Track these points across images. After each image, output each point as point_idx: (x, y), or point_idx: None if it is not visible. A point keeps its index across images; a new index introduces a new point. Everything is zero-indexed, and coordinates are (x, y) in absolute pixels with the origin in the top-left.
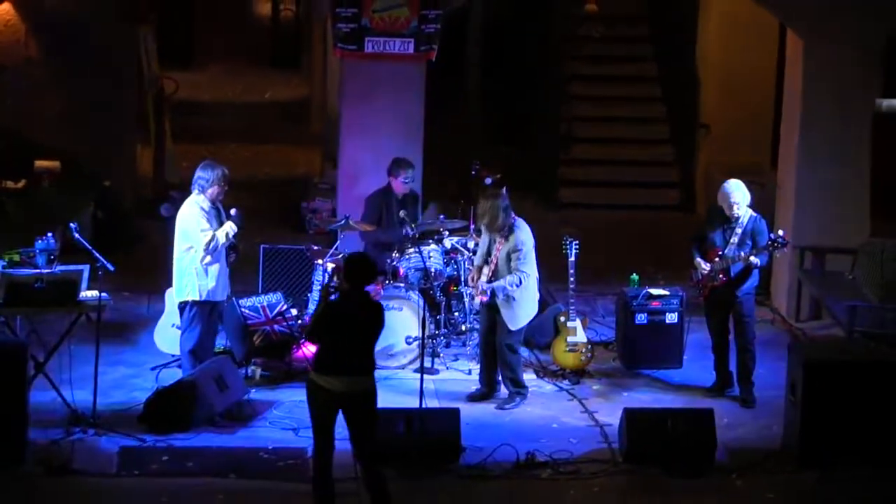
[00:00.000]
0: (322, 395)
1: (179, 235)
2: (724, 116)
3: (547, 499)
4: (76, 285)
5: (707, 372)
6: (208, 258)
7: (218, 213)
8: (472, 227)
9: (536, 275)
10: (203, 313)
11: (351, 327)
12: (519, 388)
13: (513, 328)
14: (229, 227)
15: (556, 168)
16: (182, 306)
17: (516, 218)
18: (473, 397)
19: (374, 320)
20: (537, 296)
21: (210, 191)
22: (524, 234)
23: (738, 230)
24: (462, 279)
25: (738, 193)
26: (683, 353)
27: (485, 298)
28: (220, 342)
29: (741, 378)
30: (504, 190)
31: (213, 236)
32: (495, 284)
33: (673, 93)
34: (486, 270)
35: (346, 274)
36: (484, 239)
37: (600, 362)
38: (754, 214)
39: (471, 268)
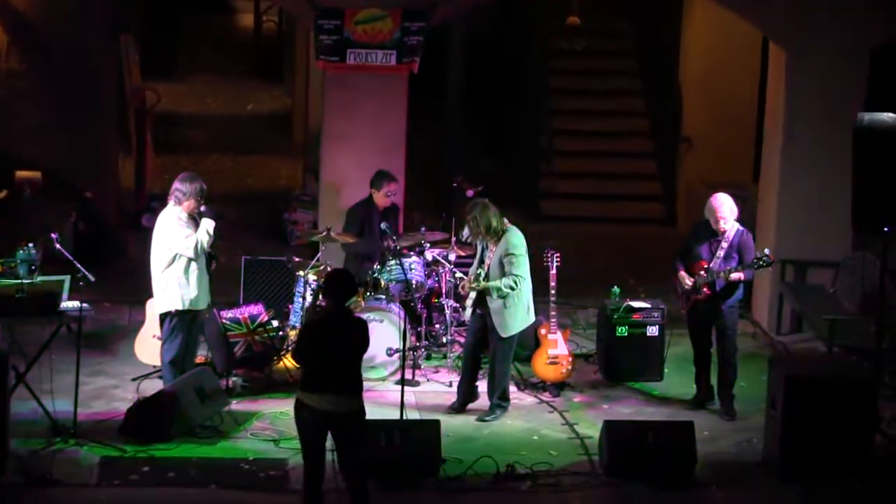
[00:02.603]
0: (308, 415)
1: (160, 246)
2: (706, 130)
3: None
4: (57, 296)
5: (687, 385)
6: (194, 264)
7: (195, 226)
8: (454, 239)
9: (530, 284)
10: (184, 323)
11: (333, 345)
12: (503, 400)
13: (504, 335)
14: (208, 224)
15: (537, 181)
16: (163, 317)
17: (510, 224)
18: (454, 409)
19: (357, 337)
20: (531, 305)
21: (186, 203)
22: (516, 239)
23: (725, 244)
24: (443, 291)
25: (725, 207)
26: (664, 365)
27: (472, 286)
28: (202, 352)
29: (722, 391)
30: (487, 200)
31: (196, 240)
32: (490, 283)
33: (656, 106)
34: (480, 274)
35: (326, 290)
36: (478, 248)
37: (581, 375)
38: (741, 228)
39: (452, 280)
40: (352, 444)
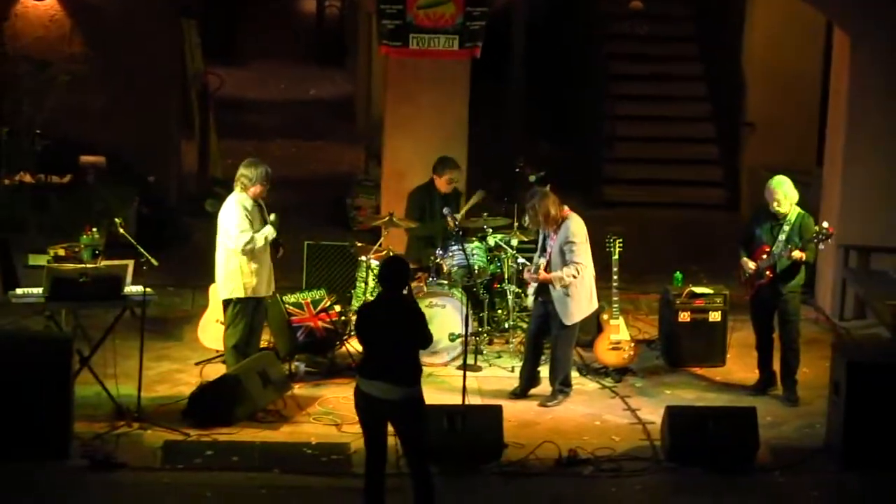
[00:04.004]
0: (361, 400)
1: (221, 233)
2: (769, 114)
3: (589, 496)
4: (121, 280)
5: (750, 370)
6: (258, 252)
7: (260, 211)
8: (517, 224)
9: (593, 271)
10: (247, 309)
11: (384, 332)
12: (565, 385)
13: (567, 323)
14: (269, 232)
15: (599, 166)
16: (226, 303)
17: (569, 212)
18: (516, 394)
19: (407, 326)
20: (594, 292)
21: (253, 189)
22: (576, 227)
23: (786, 227)
24: (505, 276)
25: (780, 190)
26: (726, 351)
27: (534, 277)
28: (264, 337)
29: (784, 376)
30: (548, 187)
31: (252, 239)
32: (552, 275)
33: (718, 91)
34: (541, 263)
35: (379, 278)
36: (540, 237)
37: (643, 360)
38: (801, 212)
39: (514, 265)
40: (407, 432)
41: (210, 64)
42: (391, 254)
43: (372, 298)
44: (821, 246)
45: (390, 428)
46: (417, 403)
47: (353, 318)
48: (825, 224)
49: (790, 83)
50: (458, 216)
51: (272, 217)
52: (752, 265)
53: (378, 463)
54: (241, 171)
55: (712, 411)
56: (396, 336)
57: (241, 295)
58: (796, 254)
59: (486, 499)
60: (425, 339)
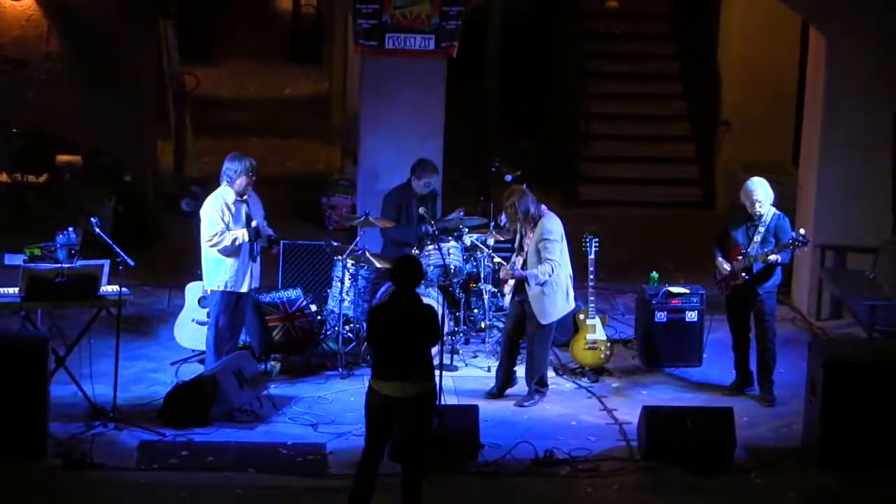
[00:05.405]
0: (376, 400)
1: (202, 227)
2: (745, 114)
3: (565, 496)
4: (97, 280)
5: (727, 370)
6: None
7: (245, 206)
8: (493, 224)
9: (570, 270)
10: (226, 303)
11: (397, 331)
12: (541, 386)
13: (543, 322)
14: (242, 234)
15: (576, 165)
16: (207, 295)
17: (546, 210)
18: (492, 394)
19: (422, 323)
20: (571, 292)
21: (238, 182)
22: (552, 225)
23: (762, 228)
24: (482, 276)
25: (760, 191)
26: (703, 351)
27: (509, 274)
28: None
29: (761, 377)
30: (524, 186)
31: (222, 234)
32: (527, 272)
33: (694, 90)
34: (518, 262)
35: (392, 276)
36: (517, 236)
37: (620, 360)
38: (777, 212)
39: (490, 264)
40: (417, 427)
41: (186, 63)
42: (368, 254)
43: (349, 297)
44: (797, 252)
45: None
46: (434, 398)
47: (321, 317)
48: (801, 230)
49: (766, 81)
50: (434, 222)
51: (254, 223)
52: (726, 266)
53: (375, 461)
54: (226, 164)
55: (689, 411)
56: (413, 334)
57: (215, 288)
58: (771, 258)
59: (463, 499)
60: (437, 337)
